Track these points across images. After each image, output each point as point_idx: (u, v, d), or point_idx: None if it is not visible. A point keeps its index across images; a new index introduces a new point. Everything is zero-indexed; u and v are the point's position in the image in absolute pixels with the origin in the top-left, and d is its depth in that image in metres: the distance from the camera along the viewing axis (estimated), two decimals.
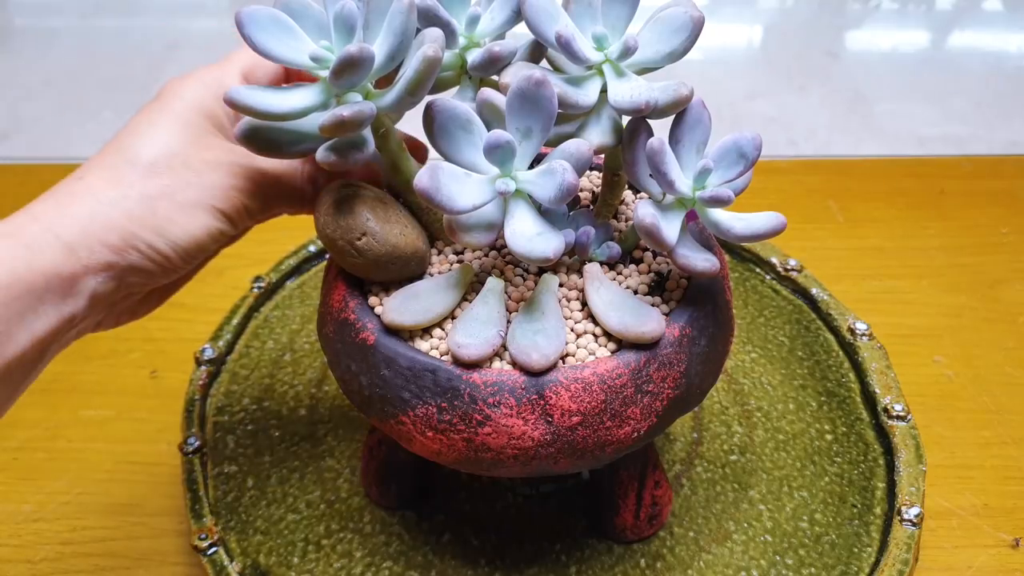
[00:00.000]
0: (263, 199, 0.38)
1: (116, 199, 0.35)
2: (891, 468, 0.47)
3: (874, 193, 0.74)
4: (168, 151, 0.36)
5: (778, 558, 0.45)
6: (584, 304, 0.38)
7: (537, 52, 0.38)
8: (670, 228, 0.35)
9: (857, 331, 0.54)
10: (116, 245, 0.34)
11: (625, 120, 0.36)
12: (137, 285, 0.36)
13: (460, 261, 0.40)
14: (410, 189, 0.38)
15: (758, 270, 0.60)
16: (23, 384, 0.34)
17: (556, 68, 0.38)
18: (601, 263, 0.39)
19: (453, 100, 0.34)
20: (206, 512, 0.46)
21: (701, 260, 0.36)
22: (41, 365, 0.35)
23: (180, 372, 0.59)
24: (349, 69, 0.32)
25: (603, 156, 0.40)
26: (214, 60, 0.39)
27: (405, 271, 0.38)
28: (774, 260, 0.59)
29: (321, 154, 0.35)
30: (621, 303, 0.37)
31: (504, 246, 0.40)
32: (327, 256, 0.53)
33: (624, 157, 0.37)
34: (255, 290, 0.59)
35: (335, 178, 0.39)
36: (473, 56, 0.37)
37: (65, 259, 0.33)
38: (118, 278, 0.35)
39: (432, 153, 0.38)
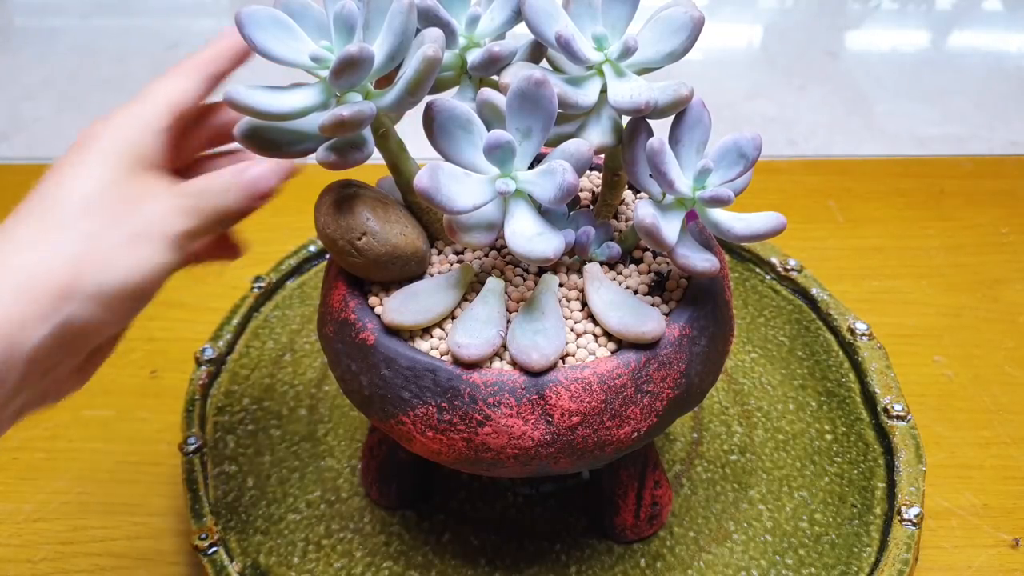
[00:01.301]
0: (201, 218, 0.35)
1: (57, 241, 0.32)
2: (891, 468, 0.47)
3: (874, 193, 0.74)
4: (100, 188, 0.34)
5: (778, 558, 0.45)
6: (584, 304, 0.38)
7: (537, 52, 0.38)
8: (670, 228, 0.35)
9: (857, 331, 0.54)
10: (61, 289, 0.32)
11: (625, 120, 0.36)
12: (79, 340, 0.33)
13: (460, 261, 0.40)
14: (410, 189, 0.38)
15: (758, 270, 0.60)
16: None
17: (556, 68, 0.38)
18: (601, 263, 0.39)
19: (453, 100, 0.34)
20: (206, 512, 0.46)
21: (701, 260, 0.36)
22: None
23: (180, 372, 0.59)
24: (349, 69, 0.32)
25: (603, 156, 0.40)
26: None
27: (405, 271, 0.38)
28: (774, 260, 0.59)
29: (321, 154, 0.35)
30: (621, 303, 0.37)
31: (504, 246, 0.40)
32: (327, 256, 0.53)
33: (624, 157, 0.37)
34: (255, 290, 0.59)
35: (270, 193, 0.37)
36: (473, 56, 0.37)
37: (2, 315, 0.30)
38: (58, 335, 0.32)
39: (432, 153, 0.38)
